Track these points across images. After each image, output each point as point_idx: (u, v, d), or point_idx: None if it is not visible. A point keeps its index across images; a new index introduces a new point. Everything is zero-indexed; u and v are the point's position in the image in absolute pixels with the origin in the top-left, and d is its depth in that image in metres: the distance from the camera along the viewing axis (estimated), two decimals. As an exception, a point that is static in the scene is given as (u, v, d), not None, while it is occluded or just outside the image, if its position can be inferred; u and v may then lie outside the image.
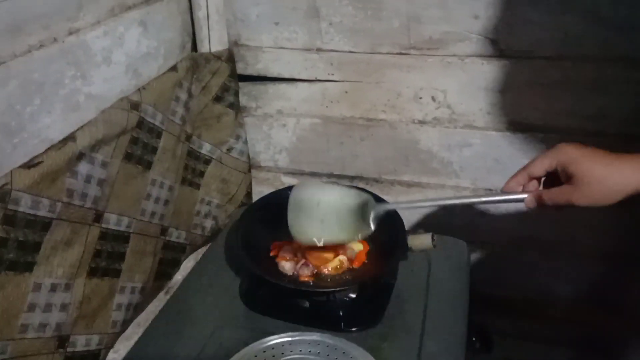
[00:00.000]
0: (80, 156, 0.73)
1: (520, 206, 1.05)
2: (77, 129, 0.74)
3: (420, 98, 1.00)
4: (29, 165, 0.66)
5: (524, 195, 0.66)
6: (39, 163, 0.67)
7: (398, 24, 0.94)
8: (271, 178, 1.19)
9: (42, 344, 0.71)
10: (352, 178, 1.11)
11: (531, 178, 0.66)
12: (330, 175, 1.13)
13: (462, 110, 0.99)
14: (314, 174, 1.14)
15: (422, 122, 1.02)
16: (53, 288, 0.72)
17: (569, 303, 1.12)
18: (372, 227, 0.74)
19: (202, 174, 1.08)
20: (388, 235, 0.83)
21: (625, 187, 0.58)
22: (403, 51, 0.97)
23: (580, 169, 0.60)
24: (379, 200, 0.80)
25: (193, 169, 1.05)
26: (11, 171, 0.64)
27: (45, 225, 0.69)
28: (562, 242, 1.07)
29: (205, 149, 1.07)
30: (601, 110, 0.93)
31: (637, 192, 0.58)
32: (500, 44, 0.91)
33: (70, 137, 0.72)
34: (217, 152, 1.10)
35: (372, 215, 0.73)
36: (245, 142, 1.14)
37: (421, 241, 0.79)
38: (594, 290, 1.11)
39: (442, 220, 1.11)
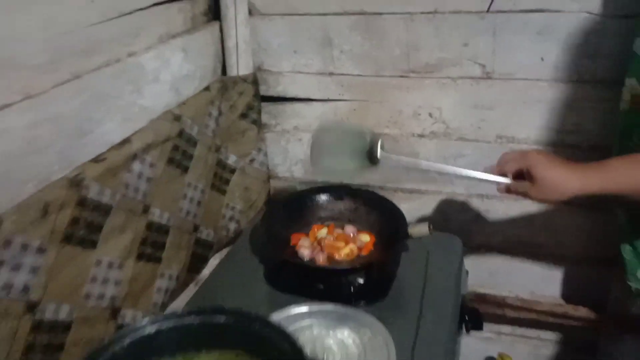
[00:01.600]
0: (134, 156, 0.88)
1: (511, 212, 1.19)
2: (132, 134, 0.89)
3: (419, 115, 1.15)
4: (96, 160, 0.82)
5: (499, 179, 0.85)
6: (104, 159, 0.82)
7: (399, 51, 1.10)
8: (288, 187, 1.33)
9: (99, 312, 0.84)
10: (360, 186, 1.25)
11: (503, 173, 0.85)
12: (340, 185, 1.27)
13: (455, 125, 1.14)
14: (326, 183, 1.29)
15: (420, 136, 1.17)
16: (110, 265, 0.86)
17: (555, 301, 1.24)
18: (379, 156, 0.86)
19: (227, 181, 1.23)
20: (391, 229, 0.97)
21: (568, 190, 0.77)
22: (403, 74, 1.12)
23: (540, 174, 0.79)
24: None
25: (220, 176, 1.20)
26: (83, 164, 0.79)
27: (107, 210, 0.83)
28: (550, 245, 1.20)
29: (231, 159, 1.22)
30: (576, 126, 1.07)
31: (578, 195, 0.77)
32: (486, 67, 1.06)
33: (127, 140, 0.87)
34: (241, 163, 1.25)
35: (378, 153, 0.86)
36: (266, 154, 1.29)
37: (419, 229, 0.93)
38: (578, 289, 1.23)
39: (440, 225, 1.24)
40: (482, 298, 1.23)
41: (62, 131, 0.77)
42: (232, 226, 1.26)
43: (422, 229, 0.92)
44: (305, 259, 0.95)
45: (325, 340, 0.80)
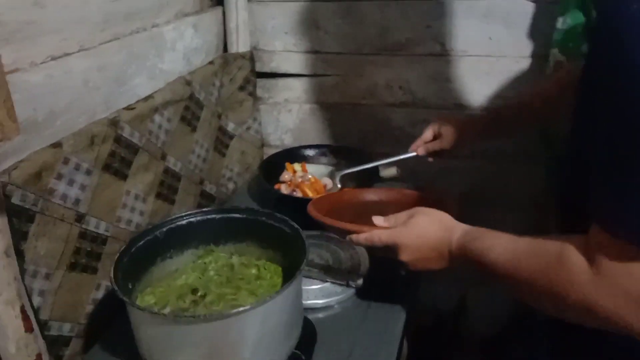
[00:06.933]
0: (156, 109, 1.08)
1: (466, 166, 1.39)
2: (155, 92, 1.08)
3: (391, 87, 1.37)
4: (128, 108, 1.01)
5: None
6: (134, 108, 1.02)
7: (374, 32, 1.32)
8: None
9: (127, 235, 1.03)
10: (342, 148, 1.44)
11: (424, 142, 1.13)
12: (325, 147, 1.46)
13: (421, 96, 1.35)
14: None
15: (392, 105, 1.38)
16: (136, 197, 1.04)
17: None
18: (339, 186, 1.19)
19: (227, 146, 1.42)
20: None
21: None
22: (378, 52, 1.34)
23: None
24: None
25: (222, 140, 1.39)
26: (119, 110, 0.99)
27: (136, 150, 1.02)
28: (500, 194, 1.40)
29: (231, 126, 1.42)
30: (517, 93, 1.29)
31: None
32: (445, 45, 1.29)
33: (151, 96, 1.07)
34: (239, 130, 1.44)
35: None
36: (260, 124, 1.49)
37: (389, 171, 1.14)
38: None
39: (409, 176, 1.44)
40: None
41: (106, 79, 0.96)
42: (231, 185, 1.45)
43: (391, 171, 1.13)
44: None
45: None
